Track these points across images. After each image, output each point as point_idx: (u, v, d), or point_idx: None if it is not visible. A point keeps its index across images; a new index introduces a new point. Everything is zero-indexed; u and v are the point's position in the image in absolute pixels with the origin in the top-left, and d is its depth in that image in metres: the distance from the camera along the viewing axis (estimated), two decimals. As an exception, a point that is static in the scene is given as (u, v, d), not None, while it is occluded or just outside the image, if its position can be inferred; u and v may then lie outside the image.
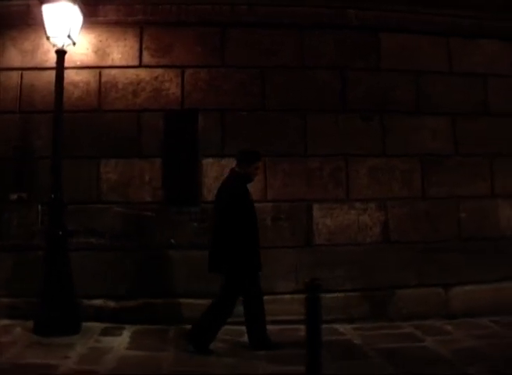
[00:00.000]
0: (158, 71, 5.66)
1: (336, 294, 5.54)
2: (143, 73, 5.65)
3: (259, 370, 4.24)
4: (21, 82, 5.58)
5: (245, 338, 4.78)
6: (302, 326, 5.33)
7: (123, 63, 5.65)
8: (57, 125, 5.08)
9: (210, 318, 4.59)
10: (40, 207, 5.41)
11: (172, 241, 5.49)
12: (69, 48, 5.20)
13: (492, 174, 6.05)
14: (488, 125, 6.08)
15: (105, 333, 5.10)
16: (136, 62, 5.66)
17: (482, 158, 6.03)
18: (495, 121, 6.10)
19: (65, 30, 5.04)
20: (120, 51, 5.66)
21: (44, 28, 5.07)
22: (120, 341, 4.88)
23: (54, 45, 5.11)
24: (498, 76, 6.16)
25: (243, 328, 4.77)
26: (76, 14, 5.13)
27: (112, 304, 5.40)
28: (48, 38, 5.09)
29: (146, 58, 5.67)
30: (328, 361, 3.99)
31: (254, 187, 5.58)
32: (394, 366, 4.33)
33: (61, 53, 5.10)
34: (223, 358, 4.48)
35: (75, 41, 5.20)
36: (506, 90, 6.16)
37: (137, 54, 5.66)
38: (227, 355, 4.56)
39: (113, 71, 5.64)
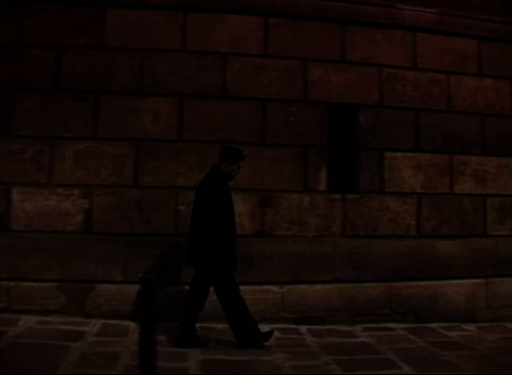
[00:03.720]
0: None
1: (31, 283, 5.27)
2: None
3: None
4: None
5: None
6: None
7: None
8: None
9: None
10: None
11: None
12: None
13: (223, 164, 5.44)
14: (226, 109, 5.49)
15: None
16: None
17: (213, 145, 5.45)
18: (233, 105, 5.50)
19: None
20: None
21: None
22: None
23: None
24: (242, 56, 5.57)
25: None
26: None
27: None
28: None
29: None
30: None
31: None
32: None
33: None
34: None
35: None
36: (249, 71, 5.55)
37: None
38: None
39: None
